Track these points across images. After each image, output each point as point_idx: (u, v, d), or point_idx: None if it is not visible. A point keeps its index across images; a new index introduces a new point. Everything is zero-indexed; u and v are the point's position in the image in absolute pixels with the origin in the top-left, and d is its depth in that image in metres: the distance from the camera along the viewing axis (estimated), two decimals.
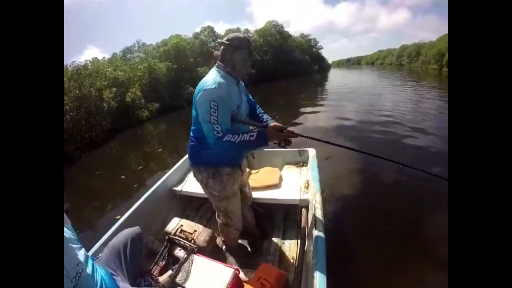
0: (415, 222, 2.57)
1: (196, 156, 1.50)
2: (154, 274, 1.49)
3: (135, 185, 4.15)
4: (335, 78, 28.06)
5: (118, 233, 1.40)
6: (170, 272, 1.45)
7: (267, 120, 1.54)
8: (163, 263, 1.56)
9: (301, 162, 2.58)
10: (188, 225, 1.78)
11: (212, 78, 1.30)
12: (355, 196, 3.14)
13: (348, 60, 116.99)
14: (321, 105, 10.10)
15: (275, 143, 1.36)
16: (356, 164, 3.73)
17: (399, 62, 52.00)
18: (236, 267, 1.47)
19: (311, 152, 2.53)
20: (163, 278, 1.43)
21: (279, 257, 1.90)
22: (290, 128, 1.40)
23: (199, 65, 16.27)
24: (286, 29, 31.41)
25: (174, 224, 1.78)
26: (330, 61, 61.64)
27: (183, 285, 1.39)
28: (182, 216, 2.04)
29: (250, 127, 1.47)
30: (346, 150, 1.55)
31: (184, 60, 15.36)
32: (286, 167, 2.58)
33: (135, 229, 1.44)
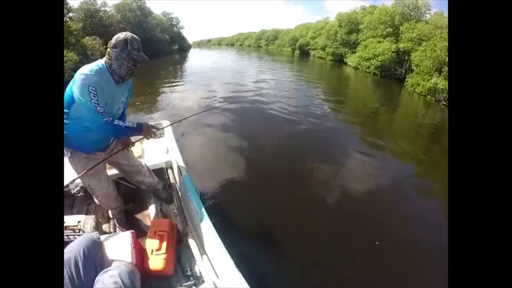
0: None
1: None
2: None
3: None
4: (195, 58, 29.04)
5: None
6: None
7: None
8: None
9: (158, 134, 2.79)
10: (70, 220, 1.69)
11: (90, 65, 1.38)
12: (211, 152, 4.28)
13: (209, 41, 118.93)
14: (180, 86, 10.58)
15: (147, 138, 1.61)
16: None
17: (257, 44, 56.30)
18: (131, 230, 1.52)
19: (165, 123, 2.88)
20: None
21: (162, 214, 2.05)
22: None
23: None
24: (147, 4, 28.89)
25: None
26: (191, 41, 60.75)
27: None
28: None
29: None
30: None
31: None
32: (145, 141, 2.71)
33: (89, 236, 1.28)
